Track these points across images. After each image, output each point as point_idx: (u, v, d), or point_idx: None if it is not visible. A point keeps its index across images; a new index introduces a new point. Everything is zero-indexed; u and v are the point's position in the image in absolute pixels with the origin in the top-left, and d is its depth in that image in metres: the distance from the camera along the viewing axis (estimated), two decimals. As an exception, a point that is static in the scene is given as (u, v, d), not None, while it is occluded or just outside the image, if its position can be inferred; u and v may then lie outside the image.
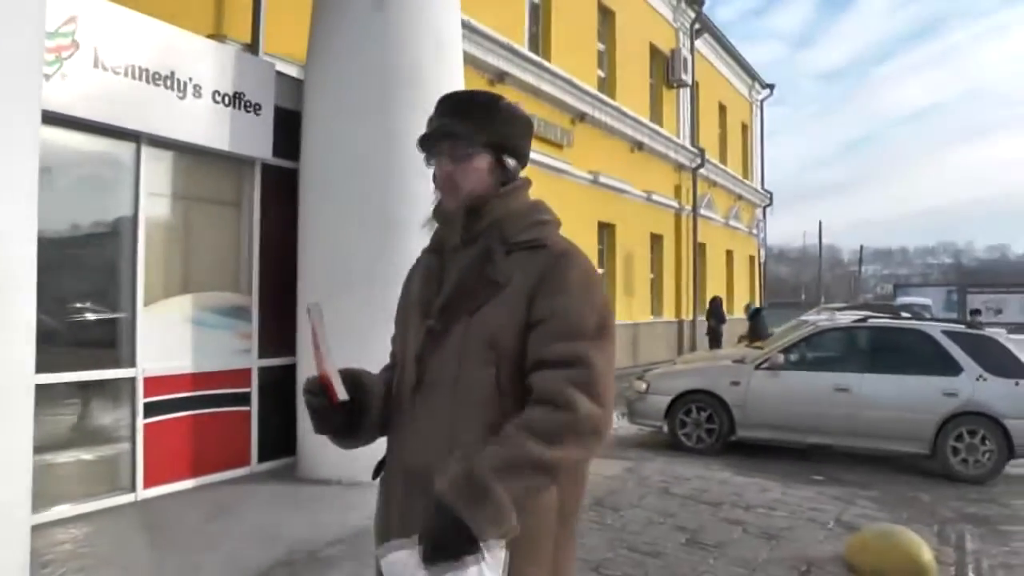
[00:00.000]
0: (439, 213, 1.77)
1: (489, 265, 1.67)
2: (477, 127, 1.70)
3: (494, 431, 1.57)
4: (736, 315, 19.87)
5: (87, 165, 5.44)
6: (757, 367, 8.59)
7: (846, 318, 10.01)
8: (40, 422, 4.24)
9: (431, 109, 1.78)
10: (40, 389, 4.06)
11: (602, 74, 16.48)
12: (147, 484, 5.56)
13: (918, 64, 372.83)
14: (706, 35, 21.98)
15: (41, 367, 4.02)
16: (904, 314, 12.65)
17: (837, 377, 8.25)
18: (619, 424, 9.18)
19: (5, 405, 3.46)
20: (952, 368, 7.94)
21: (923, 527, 5.76)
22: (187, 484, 5.85)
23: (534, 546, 1.59)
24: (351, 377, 1.79)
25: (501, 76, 11.93)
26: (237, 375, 6.29)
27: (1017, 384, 7.74)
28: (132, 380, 5.52)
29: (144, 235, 5.59)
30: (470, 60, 9.43)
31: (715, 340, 17.99)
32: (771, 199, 29.02)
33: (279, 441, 6.47)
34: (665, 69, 19.54)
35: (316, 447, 5.97)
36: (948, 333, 8.22)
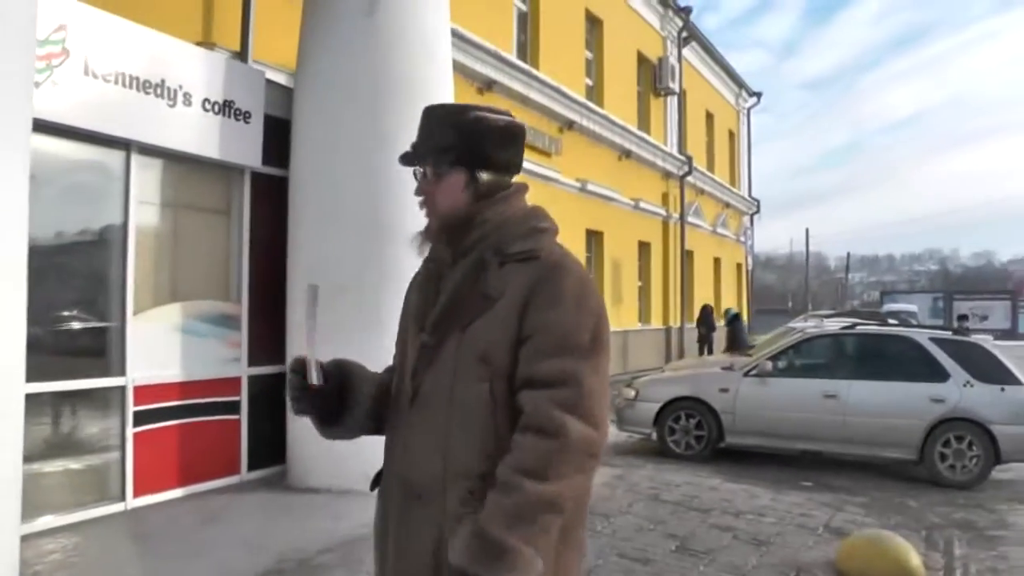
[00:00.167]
0: (424, 233, 1.78)
1: (482, 278, 1.66)
2: (443, 147, 1.71)
3: (488, 445, 1.58)
4: (722, 322, 19.96)
5: (77, 173, 5.42)
6: (746, 374, 8.62)
7: (834, 325, 10.04)
8: (30, 431, 4.24)
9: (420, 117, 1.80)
10: (30, 398, 4.06)
11: (590, 82, 16.53)
12: (137, 493, 5.53)
13: (904, 72, 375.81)
14: (693, 43, 22.07)
15: (31, 376, 4.02)
16: (891, 321, 12.69)
17: (825, 384, 8.28)
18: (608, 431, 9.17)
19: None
20: (939, 374, 7.99)
21: (911, 532, 5.81)
22: (177, 493, 5.83)
23: None
24: (340, 368, 1.81)
25: (489, 84, 11.95)
26: (227, 383, 6.28)
27: (1003, 390, 7.80)
28: (122, 389, 5.50)
29: (134, 243, 5.58)
30: (459, 68, 9.45)
31: (706, 347, 18.22)
32: (758, 207, 29.15)
33: (269, 450, 6.46)
34: (652, 77, 19.62)
35: (306, 456, 5.97)
36: (935, 340, 8.28)
